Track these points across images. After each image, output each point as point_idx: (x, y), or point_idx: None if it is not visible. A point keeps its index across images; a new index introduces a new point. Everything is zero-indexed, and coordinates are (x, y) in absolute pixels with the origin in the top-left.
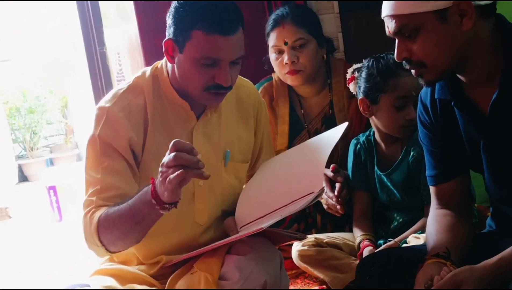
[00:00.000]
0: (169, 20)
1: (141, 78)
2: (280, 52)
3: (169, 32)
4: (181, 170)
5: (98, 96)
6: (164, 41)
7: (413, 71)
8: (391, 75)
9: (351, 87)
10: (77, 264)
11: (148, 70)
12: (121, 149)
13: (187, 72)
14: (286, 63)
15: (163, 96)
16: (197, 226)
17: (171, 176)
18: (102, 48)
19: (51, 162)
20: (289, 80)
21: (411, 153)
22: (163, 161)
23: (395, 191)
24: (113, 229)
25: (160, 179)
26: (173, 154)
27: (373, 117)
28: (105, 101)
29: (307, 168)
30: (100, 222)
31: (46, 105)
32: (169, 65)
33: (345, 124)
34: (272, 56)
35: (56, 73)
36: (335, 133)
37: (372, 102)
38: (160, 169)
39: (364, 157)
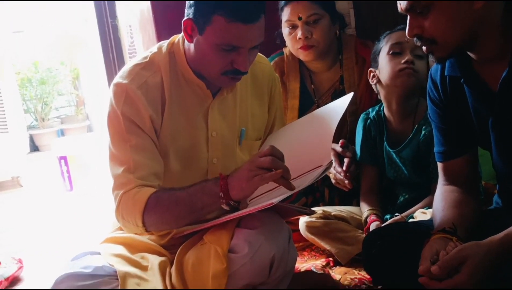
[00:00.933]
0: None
1: (158, 54)
2: (293, 27)
3: (189, 12)
4: (280, 170)
5: (109, 68)
6: (183, 20)
7: (424, 48)
8: (387, 34)
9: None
10: (87, 232)
11: (165, 45)
12: (145, 127)
13: (205, 55)
14: (299, 38)
15: (179, 74)
16: None
17: (265, 175)
18: (114, 21)
19: (62, 132)
20: (302, 55)
21: (423, 132)
22: (252, 161)
23: (403, 168)
24: (165, 213)
25: (245, 176)
26: (270, 157)
27: (379, 86)
28: (122, 77)
29: (315, 141)
30: (149, 204)
31: (58, 77)
32: (186, 42)
33: (351, 94)
34: (285, 30)
35: (68, 45)
36: (342, 104)
37: (375, 65)
38: (248, 167)
39: (374, 133)
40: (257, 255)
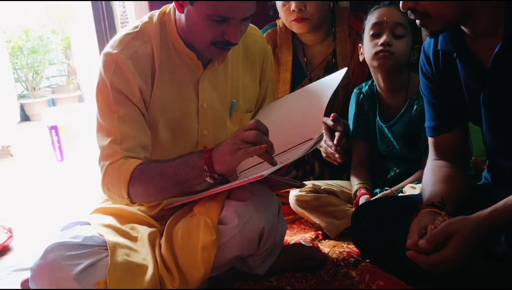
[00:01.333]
0: None
1: (148, 24)
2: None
3: None
4: (264, 145)
5: (101, 38)
6: None
7: (417, 21)
8: (373, 10)
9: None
10: (77, 202)
11: (156, 15)
12: (133, 98)
13: (196, 25)
14: (293, 10)
15: (170, 44)
16: None
17: (249, 149)
18: None
19: (53, 102)
20: (295, 28)
21: (415, 107)
22: (236, 134)
23: (395, 143)
24: (149, 185)
25: (229, 150)
26: (255, 131)
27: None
28: (112, 47)
29: (306, 114)
30: (134, 176)
31: (49, 45)
32: (177, 12)
33: (344, 69)
34: (279, 2)
35: (59, 13)
36: (335, 79)
37: (362, 42)
38: (232, 140)
39: (367, 108)
40: (246, 227)
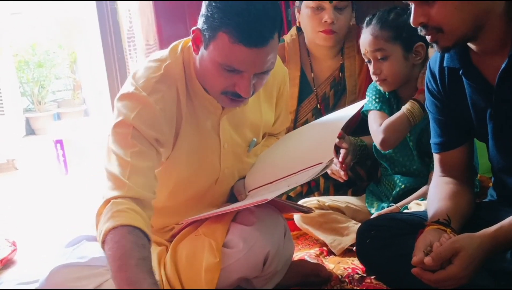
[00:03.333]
0: (202, 9)
1: (173, 66)
2: (319, 9)
3: (199, 22)
4: None
5: (107, 52)
6: (192, 29)
7: (428, 37)
8: (362, 32)
9: None
10: (82, 216)
11: (178, 52)
12: (152, 141)
13: (207, 71)
14: (325, 22)
15: (189, 86)
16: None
17: None
18: (113, 4)
19: (58, 116)
20: (322, 39)
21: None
22: None
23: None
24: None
25: None
26: None
27: None
28: (136, 88)
29: (318, 139)
30: (110, 235)
31: (55, 60)
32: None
33: (363, 101)
34: (305, 10)
35: (66, 28)
36: (352, 109)
37: None
38: None
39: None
40: (251, 251)
